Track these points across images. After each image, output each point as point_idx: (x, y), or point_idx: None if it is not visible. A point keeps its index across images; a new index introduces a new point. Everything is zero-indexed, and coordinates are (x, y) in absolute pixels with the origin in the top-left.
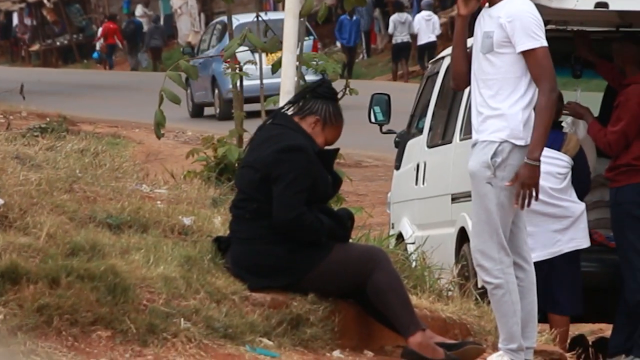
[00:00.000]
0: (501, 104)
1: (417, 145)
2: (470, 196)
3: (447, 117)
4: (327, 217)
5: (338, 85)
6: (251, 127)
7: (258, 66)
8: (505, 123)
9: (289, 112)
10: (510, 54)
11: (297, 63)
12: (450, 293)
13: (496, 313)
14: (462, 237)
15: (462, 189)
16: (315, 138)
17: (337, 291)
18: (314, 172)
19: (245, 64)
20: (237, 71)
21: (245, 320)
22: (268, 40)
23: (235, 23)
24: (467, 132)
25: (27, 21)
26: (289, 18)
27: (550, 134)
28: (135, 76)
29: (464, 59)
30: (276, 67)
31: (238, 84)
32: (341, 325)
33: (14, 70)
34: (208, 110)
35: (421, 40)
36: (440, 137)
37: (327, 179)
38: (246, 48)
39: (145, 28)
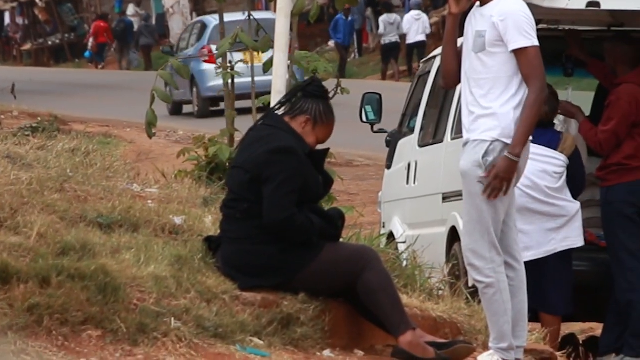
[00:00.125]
0: (493, 103)
1: (408, 145)
2: (461, 195)
3: (438, 117)
4: (318, 217)
5: (329, 84)
6: (239, 124)
7: (249, 65)
8: (497, 122)
9: (280, 112)
10: (502, 53)
11: (289, 62)
12: (440, 292)
13: (487, 312)
14: (453, 236)
15: (453, 188)
16: (306, 137)
17: (328, 290)
18: (305, 173)
19: (237, 63)
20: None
21: (236, 319)
22: (260, 40)
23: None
24: (458, 131)
25: (19, 20)
26: (281, 17)
27: (546, 133)
28: (126, 75)
29: (455, 57)
30: (267, 66)
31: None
32: (332, 324)
33: (5, 69)
34: (187, 108)
35: (410, 40)
36: (432, 136)
37: (318, 180)
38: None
39: (136, 27)
